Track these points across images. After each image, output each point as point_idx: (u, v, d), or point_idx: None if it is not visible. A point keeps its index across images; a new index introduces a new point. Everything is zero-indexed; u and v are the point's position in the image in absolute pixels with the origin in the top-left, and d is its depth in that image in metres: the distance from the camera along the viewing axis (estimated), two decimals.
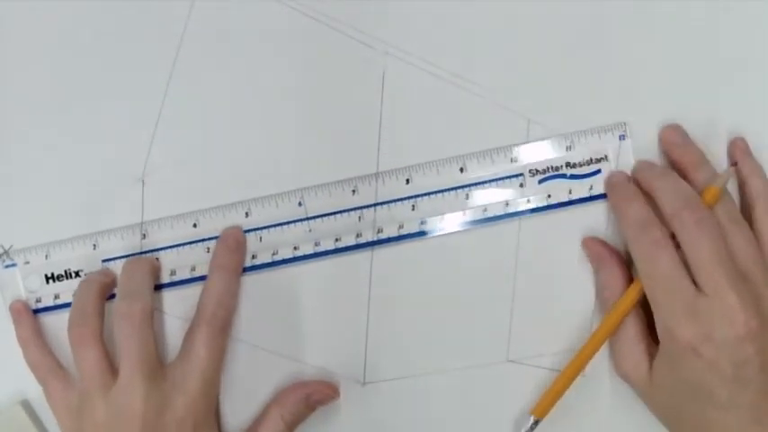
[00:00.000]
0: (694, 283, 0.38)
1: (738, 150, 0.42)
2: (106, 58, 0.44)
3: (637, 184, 0.42)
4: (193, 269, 0.43)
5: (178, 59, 0.43)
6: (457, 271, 0.43)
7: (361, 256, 0.43)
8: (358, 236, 0.43)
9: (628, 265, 0.42)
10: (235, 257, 0.42)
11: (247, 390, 0.43)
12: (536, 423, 0.41)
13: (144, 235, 0.43)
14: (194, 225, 0.43)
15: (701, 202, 0.39)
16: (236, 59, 0.43)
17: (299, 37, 0.43)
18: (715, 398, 0.37)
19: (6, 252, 0.44)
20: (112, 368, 0.40)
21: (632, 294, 0.40)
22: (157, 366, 0.40)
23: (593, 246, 0.43)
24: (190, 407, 0.40)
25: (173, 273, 0.43)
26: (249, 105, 0.43)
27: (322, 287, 0.43)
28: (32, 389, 0.43)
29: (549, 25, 0.43)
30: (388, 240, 0.43)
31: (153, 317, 0.41)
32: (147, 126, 0.43)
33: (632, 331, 0.41)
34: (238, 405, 0.43)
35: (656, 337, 0.40)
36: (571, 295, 0.43)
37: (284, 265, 0.43)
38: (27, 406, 0.44)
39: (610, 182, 0.42)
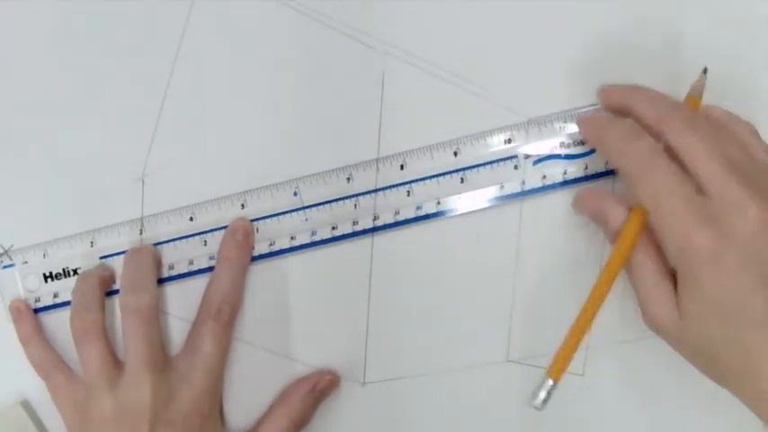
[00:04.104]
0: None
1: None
2: (106, 57, 0.44)
3: (610, 105, 0.40)
4: (191, 263, 0.43)
5: (178, 59, 0.43)
6: (456, 258, 0.43)
7: (359, 246, 0.43)
8: (354, 223, 0.43)
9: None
10: (242, 251, 0.42)
11: (247, 390, 0.43)
12: (554, 387, 0.39)
13: (141, 230, 0.43)
14: (191, 219, 0.43)
15: (685, 104, 0.38)
16: (236, 59, 0.43)
17: (299, 37, 0.43)
18: (748, 312, 0.34)
19: (6, 252, 0.44)
20: (117, 362, 0.40)
21: (635, 219, 0.37)
22: (163, 360, 0.41)
23: (588, 199, 0.40)
24: (196, 400, 0.40)
25: (171, 267, 0.43)
26: (249, 105, 0.43)
27: (320, 281, 0.43)
28: (32, 389, 0.44)
29: (550, 24, 0.43)
30: (384, 227, 0.43)
31: (158, 308, 0.41)
32: (147, 126, 0.43)
33: (654, 270, 0.37)
34: (236, 405, 0.43)
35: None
36: (572, 291, 0.43)
37: (281, 256, 0.43)
38: (27, 406, 0.44)
39: (580, 120, 0.41)
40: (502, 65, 0.43)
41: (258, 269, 0.43)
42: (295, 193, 0.43)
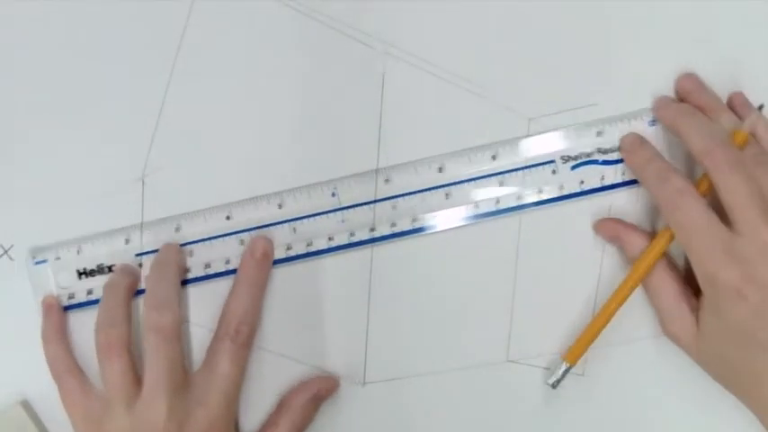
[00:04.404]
0: (726, 225, 0.38)
1: (739, 102, 0.42)
2: (106, 57, 0.44)
3: (660, 120, 0.42)
4: (228, 262, 0.43)
5: (178, 59, 0.43)
6: (457, 260, 0.43)
7: (359, 250, 0.43)
8: (393, 225, 0.43)
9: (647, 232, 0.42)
10: (261, 270, 0.42)
11: (247, 390, 0.43)
12: (567, 369, 0.41)
13: (177, 228, 0.43)
14: (227, 217, 0.43)
15: (732, 140, 0.39)
16: (236, 59, 0.43)
17: (298, 37, 0.43)
18: (764, 343, 0.37)
19: (6, 252, 0.44)
20: (138, 379, 0.40)
21: (665, 237, 0.40)
22: (182, 379, 0.40)
23: (606, 225, 0.42)
24: (212, 422, 0.40)
25: (207, 266, 0.43)
26: (248, 105, 0.43)
27: (321, 283, 0.43)
28: (32, 389, 0.43)
29: (550, 24, 0.43)
30: (416, 231, 0.43)
31: (181, 326, 0.41)
32: (147, 126, 0.43)
33: (674, 291, 0.40)
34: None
35: (698, 292, 0.40)
36: (572, 292, 0.43)
37: (309, 259, 0.43)
38: (27, 406, 0.44)
39: (624, 147, 0.42)
40: (502, 65, 0.43)
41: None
42: (333, 194, 0.43)
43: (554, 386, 0.42)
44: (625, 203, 0.43)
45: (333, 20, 0.43)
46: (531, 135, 0.43)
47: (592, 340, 0.42)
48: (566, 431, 0.43)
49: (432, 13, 0.43)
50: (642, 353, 0.43)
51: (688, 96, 0.42)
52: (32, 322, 0.43)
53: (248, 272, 0.42)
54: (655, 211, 0.43)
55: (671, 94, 0.43)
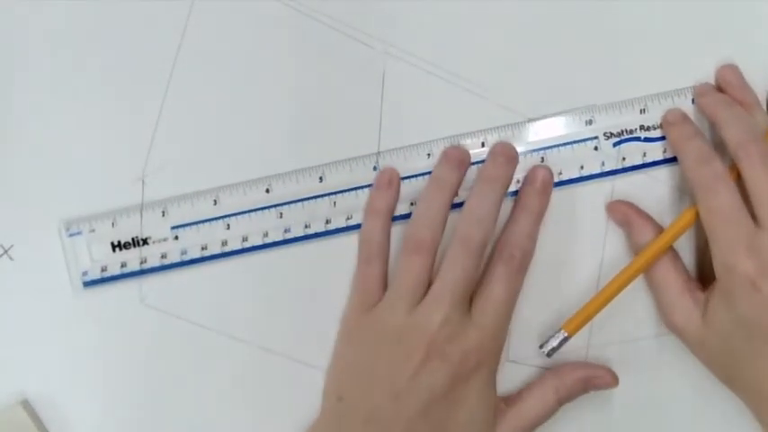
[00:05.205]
0: (753, 218, 0.38)
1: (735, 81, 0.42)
2: (106, 57, 0.44)
3: (699, 108, 0.42)
4: (266, 235, 0.43)
5: (178, 59, 0.43)
6: None
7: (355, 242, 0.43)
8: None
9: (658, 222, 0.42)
10: (541, 199, 0.42)
11: (244, 390, 0.43)
12: (565, 339, 0.41)
13: (215, 201, 0.43)
14: (267, 190, 0.43)
15: (766, 137, 0.39)
16: (236, 59, 0.43)
17: (299, 37, 0.43)
18: None
19: (6, 252, 0.44)
20: (429, 284, 0.40)
21: (687, 217, 0.40)
22: (466, 298, 0.40)
23: (619, 208, 0.43)
24: (482, 343, 0.40)
25: (245, 239, 0.43)
26: (248, 105, 0.43)
27: (320, 278, 0.43)
28: (32, 389, 0.43)
29: (550, 24, 0.43)
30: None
31: (487, 247, 0.41)
32: (147, 126, 0.43)
33: (679, 282, 0.41)
34: (232, 406, 0.43)
35: (701, 287, 0.41)
36: (571, 290, 0.43)
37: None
38: (27, 406, 0.44)
39: (667, 120, 0.42)
40: (502, 65, 0.43)
41: (257, 265, 0.43)
42: (375, 168, 0.43)
43: (549, 354, 0.41)
44: (627, 190, 0.43)
45: (333, 20, 0.43)
46: (575, 110, 0.43)
47: (593, 313, 0.41)
48: (566, 431, 0.43)
49: (432, 13, 0.43)
50: (642, 353, 0.43)
51: (727, 87, 0.42)
52: (32, 322, 0.43)
53: (527, 200, 0.42)
54: (660, 202, 0.43)
55: (671, 94, 0.43)
